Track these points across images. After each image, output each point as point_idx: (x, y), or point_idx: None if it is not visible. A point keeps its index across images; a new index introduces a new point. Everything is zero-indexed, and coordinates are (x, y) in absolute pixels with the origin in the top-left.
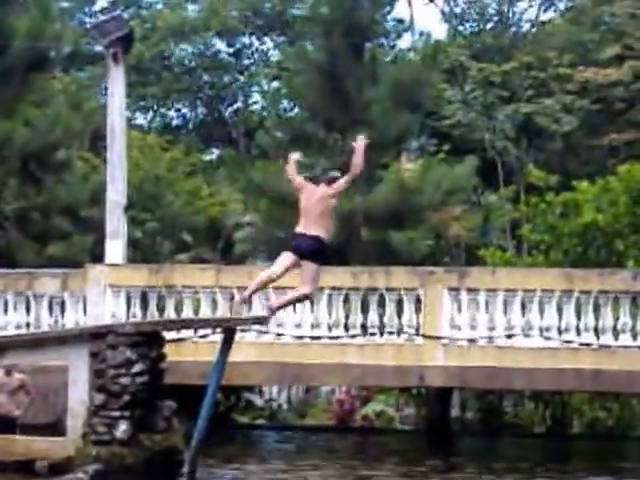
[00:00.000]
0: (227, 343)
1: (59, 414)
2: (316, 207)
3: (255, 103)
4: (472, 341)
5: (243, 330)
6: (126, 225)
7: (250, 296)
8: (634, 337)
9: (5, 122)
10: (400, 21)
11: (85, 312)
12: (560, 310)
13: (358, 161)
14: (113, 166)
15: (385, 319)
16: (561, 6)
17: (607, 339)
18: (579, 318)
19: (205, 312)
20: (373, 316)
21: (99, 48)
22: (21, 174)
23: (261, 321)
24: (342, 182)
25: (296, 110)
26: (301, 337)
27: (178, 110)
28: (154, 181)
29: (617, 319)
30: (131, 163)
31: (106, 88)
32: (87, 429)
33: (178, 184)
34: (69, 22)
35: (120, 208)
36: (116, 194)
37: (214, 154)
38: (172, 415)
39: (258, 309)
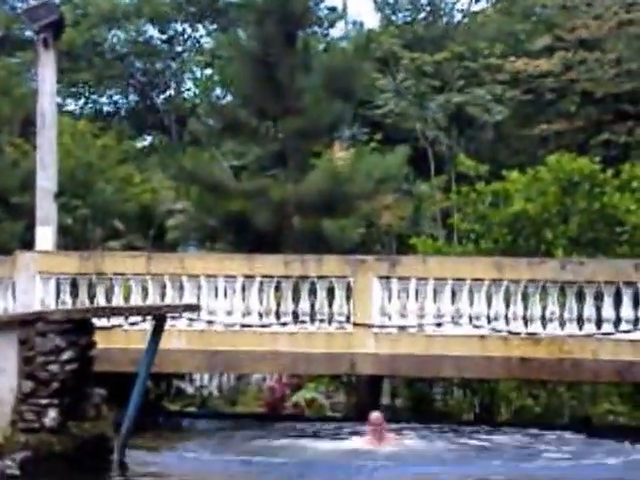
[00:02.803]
0: (157, 331)
1: None
2: None
3: (187, 90)
4: (402, 329)
5: (174, 318)
6: (56, 212)
7: None
8: (562, 325)
9: None
10: (333, 10)
11: (14, 299)
12: (489, 299)
13: None
14: (43, 152)
15: (316, 307)
16: None
17: (535, 327)
18: (508, 307)
19: (136, 299)
20: (304, 304)
21: (30, 33)
22: None
23: (192, 309)
24: None
25: (228, 98)
26: (232, 325)
27: (110, 97)
28: (85, 168)
29: (545, 308)
30: (62, 150)
31: (37, 74)
32: (15, 416)
33: (109, 171)
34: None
35: (50, 195)
36: (46, 181)
37: (146, 141)
38: (102, 403)
39: (189, 296)
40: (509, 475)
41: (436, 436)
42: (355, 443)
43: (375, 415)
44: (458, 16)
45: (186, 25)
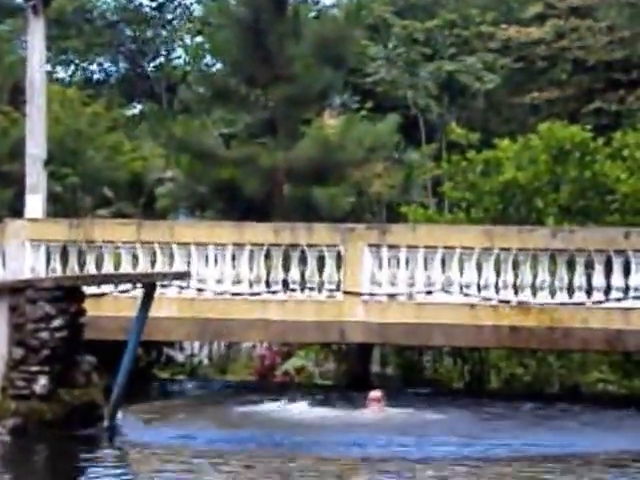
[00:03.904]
0: (147, 298)
1: None
2: None
3: (178, 58)
4: (392, 297)
5: (164, 286)
6: (46, 179)
7: None
8: (552, 294)
9: None
10: None
11: (4, 266)
12: (480, 267)
13: None
14: (33, 120)
15: (306, 275)
16: None
17: (526, 296)
18: (498, 275)
19: (126, 267)
20: (294, 272)
21: (19, 0)
22: None
23: (182, 277)
24: None
25: (219, 65)
26: (222, 293)
27: (100, 64)
28: (75, 136)
29: (535, 276)
30: (51, 117)
31: (26, 41)
32: (6, 383)
33: (99, 139)
34: None
35: (40, 162)
36: (36, 148)
37: (136, 109)
38: (92, 370)
39: (179, 264)
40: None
41: (434, 408)
42: (356, 415)
43: (375, 392)
44: None
45: None
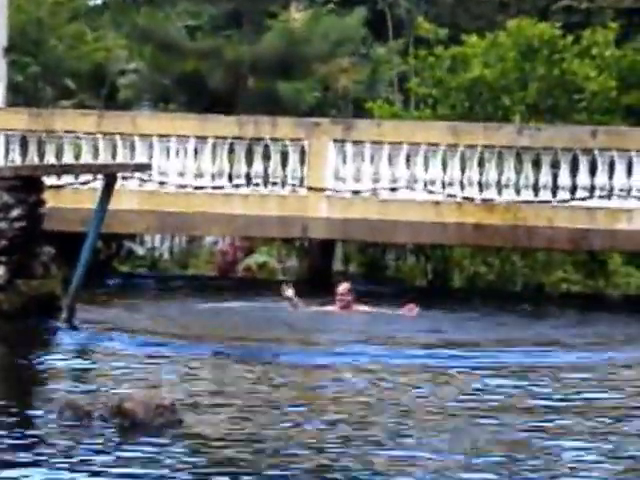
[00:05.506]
0: (108, 190)
1: None
2: None
3: None
4: (356, 193)
5: (125, 178)
6: (6, 68)
7: None
8: (517, 192)
9: None
10: None
11: None
12: (445, 164)
13: None
14: None
15: (270, 170)
16: None
17: (490, 194)
18: (463, 172)
19: (86, 158)
20: (258, 166)
21: None
22: None
23: (142, 168)
24: None
25: None
26: (184, 186)
27: None
28: (36, 24)
29: (501, 174)
30: (12, 6)
31: None
32: None
33: (61, 28)
34: None
35: (0, 51)
36: None
37: None
38: (50, 261)
39: (141, 157)
40: None
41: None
42: (324, 310)
43: (344, 285)
44: None
45: None
